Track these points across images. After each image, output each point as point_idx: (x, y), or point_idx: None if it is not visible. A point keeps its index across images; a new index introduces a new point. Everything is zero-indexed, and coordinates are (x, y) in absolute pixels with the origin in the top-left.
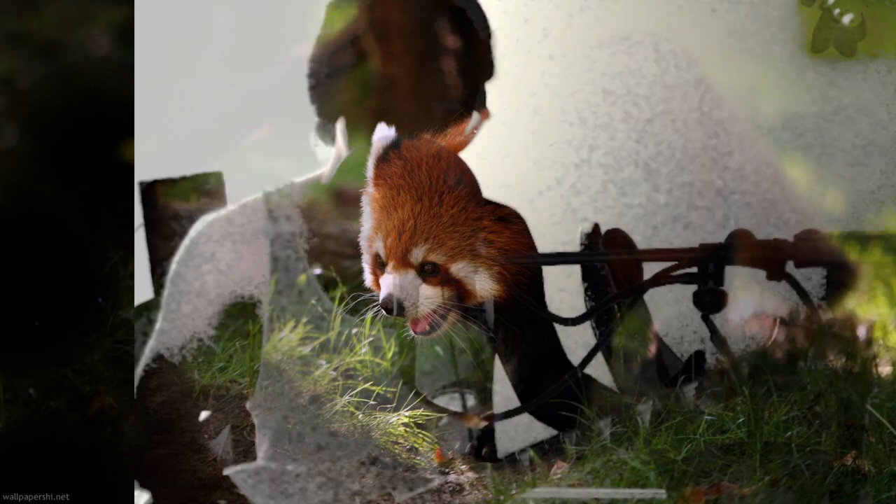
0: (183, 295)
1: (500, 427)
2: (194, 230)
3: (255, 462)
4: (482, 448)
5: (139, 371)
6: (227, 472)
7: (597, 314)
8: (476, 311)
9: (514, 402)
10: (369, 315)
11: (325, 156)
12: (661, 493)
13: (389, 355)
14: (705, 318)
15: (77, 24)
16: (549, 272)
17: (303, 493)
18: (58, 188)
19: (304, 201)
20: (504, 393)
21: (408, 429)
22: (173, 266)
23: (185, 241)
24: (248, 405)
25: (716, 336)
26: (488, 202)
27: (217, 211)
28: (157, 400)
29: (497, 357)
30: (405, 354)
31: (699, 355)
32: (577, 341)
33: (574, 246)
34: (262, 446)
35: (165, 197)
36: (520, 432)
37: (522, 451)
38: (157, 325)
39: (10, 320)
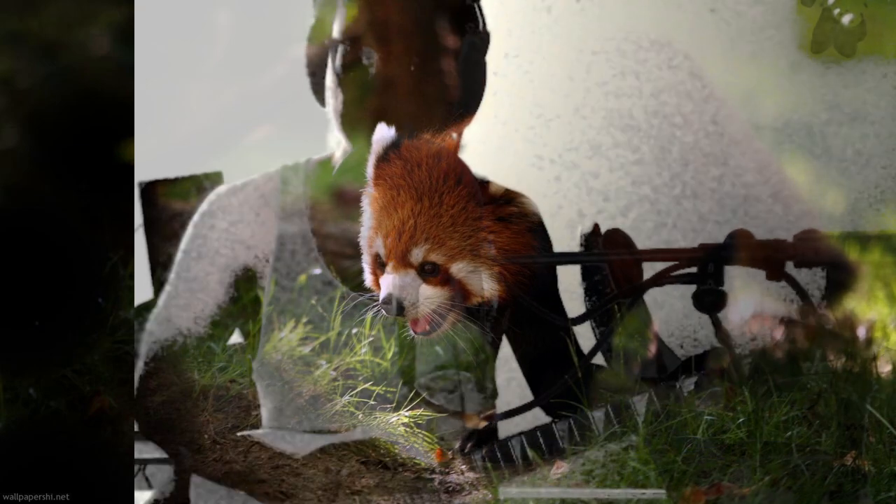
0: (193, 261)
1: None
2: (208, 199)
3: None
4: (482, 448)
5: (143, 346)
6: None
7: (596, 314)
8: (475, 311)
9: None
10: (369, 315)
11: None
12: (661, 494)
13: (389, 355)
14: (711, 315)
15: (77, 24)
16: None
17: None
18: (58, 188)
19: (315, 182)
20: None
21: (408, 429)
22: (187, 231)
23: (201, 207)
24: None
25: (720, 332)
26: (490, 201)
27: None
28: (156, 400)
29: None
30: (405, 354)
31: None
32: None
33: (574, 246)
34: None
35: (165, 197)
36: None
37: (512, 437)
38: (166, 289)
39: (10, 320)
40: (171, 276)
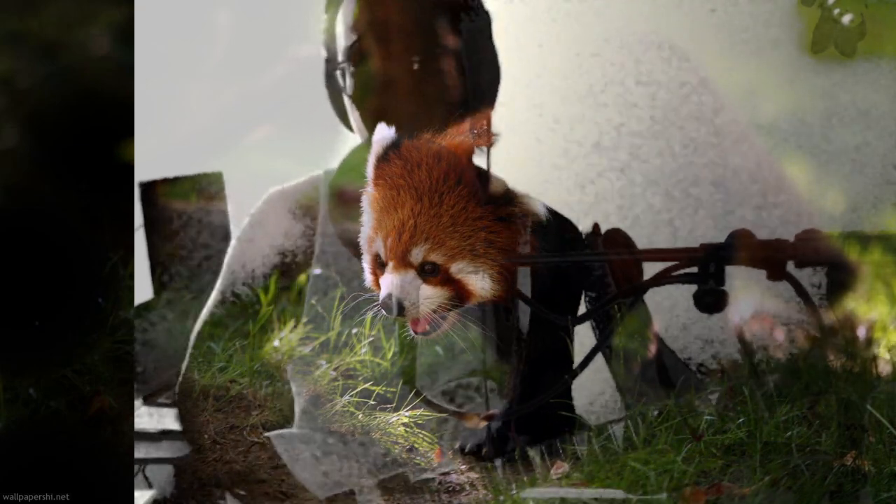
0: (246, 251)
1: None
2: (262, 199)
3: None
4: (482, 448)
5: (205, 315)
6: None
7: (596, 314)
8: (477, 310)
9: None
10: (369, 315)
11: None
12: (662, 495)
13: (389, 355)
14: (740, 336)
15: (77, 24)
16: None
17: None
18: (58, 188)
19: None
20: None
21: (408, 429)
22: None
23: (253, 209)
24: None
25: (747, 348)
26: (491, 201)
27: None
28: (157, 400)
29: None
30: (405, 354)
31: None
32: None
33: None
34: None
35: (165, 197)
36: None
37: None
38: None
39: (10, 320)
40: (227, 260)
